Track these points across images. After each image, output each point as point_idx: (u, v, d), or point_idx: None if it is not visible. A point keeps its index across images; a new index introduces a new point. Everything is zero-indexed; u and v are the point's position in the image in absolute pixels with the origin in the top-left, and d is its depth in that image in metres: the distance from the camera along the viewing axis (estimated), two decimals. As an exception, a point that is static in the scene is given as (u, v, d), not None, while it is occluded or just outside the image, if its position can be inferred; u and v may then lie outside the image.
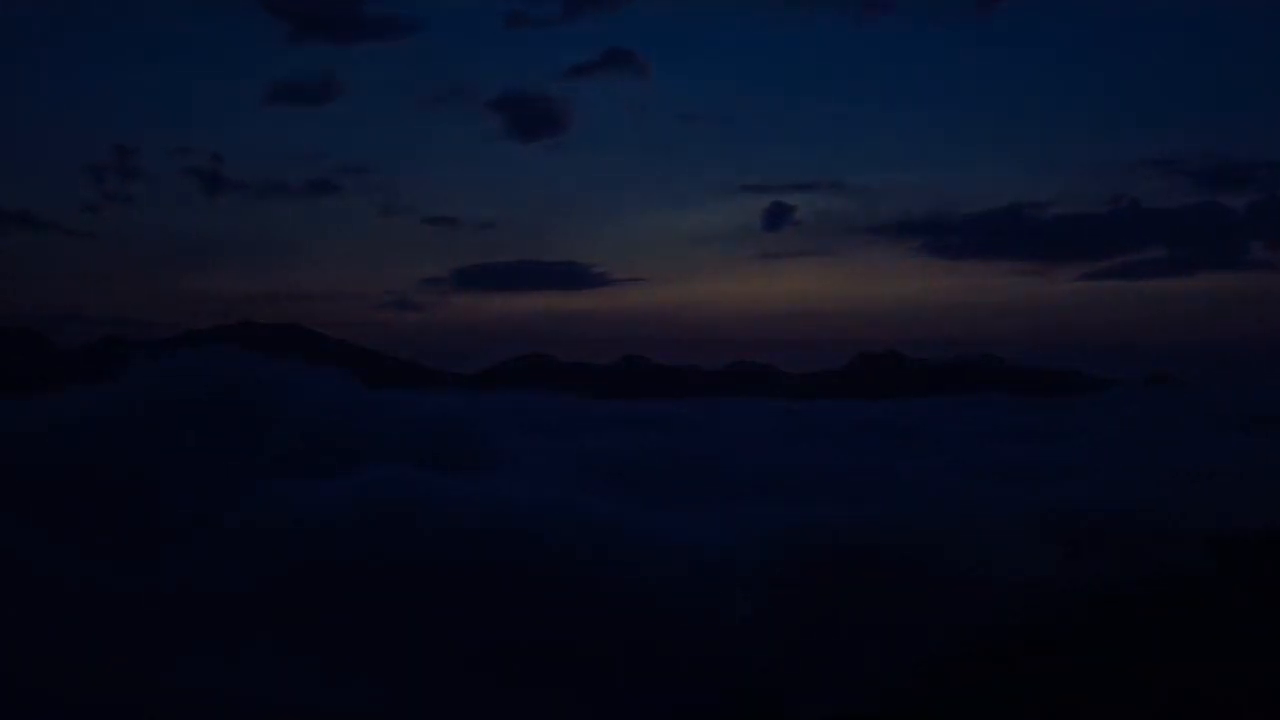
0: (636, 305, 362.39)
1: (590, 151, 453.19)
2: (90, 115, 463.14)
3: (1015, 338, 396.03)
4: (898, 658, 29.16)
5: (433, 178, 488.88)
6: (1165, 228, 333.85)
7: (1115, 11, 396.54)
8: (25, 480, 46.92)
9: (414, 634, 30.14)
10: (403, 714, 26.43)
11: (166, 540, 39.10)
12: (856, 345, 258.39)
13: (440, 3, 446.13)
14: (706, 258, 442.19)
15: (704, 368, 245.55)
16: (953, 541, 38.63)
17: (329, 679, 27.53)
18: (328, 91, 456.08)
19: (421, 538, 38.31)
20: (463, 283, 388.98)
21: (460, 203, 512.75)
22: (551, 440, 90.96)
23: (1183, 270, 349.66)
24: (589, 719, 26.70)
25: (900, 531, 40.69)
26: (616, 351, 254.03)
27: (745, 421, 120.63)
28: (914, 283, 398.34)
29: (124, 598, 32.65)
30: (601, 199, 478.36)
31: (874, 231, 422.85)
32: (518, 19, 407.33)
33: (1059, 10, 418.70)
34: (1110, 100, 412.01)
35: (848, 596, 34.01)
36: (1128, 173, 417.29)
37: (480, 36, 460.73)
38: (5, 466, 49.29)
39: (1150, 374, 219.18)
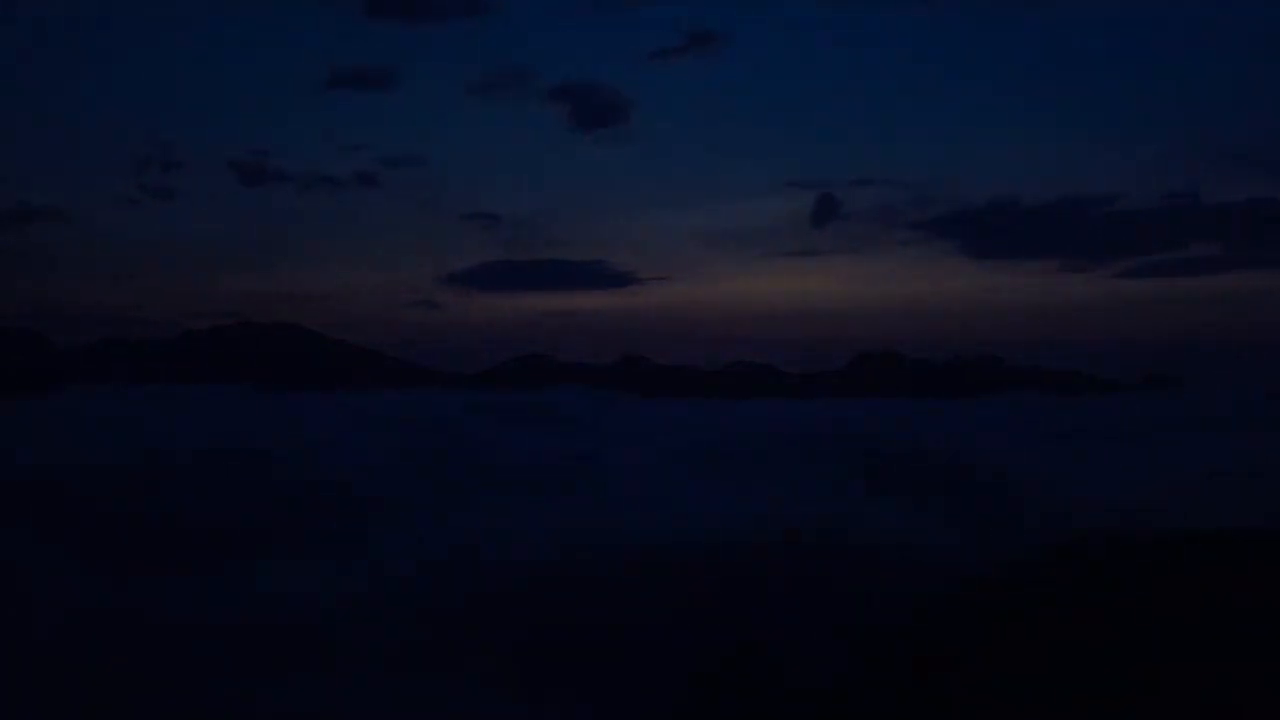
0: (659, 305, 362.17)
1: (651, 143, 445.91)
2: (145, 106, 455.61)
3: (1032, 336, 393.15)
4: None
5: (481, 171, 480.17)
6: (1223, 222, 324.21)
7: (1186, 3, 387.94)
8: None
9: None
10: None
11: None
12: (862, 344, 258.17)
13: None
14: (745, 255, 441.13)
15: (705, 368, 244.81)
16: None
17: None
18: (389, 76, 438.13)
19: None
20: (486, 282, 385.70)
21: (505, 197, 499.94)
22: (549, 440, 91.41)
23: (1233, 266, 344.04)
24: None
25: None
26: (618, 351, 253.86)
27: (746, 420, 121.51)
28: (947, 281, 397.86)
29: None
30: (654, 193, 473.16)
31: (919, 228, 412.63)
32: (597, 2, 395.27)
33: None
34: (1183, 92, 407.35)
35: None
36: (1194, 165, 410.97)
37: (554, 18, 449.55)
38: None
39: (1151, 375, 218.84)
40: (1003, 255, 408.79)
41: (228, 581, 39.91)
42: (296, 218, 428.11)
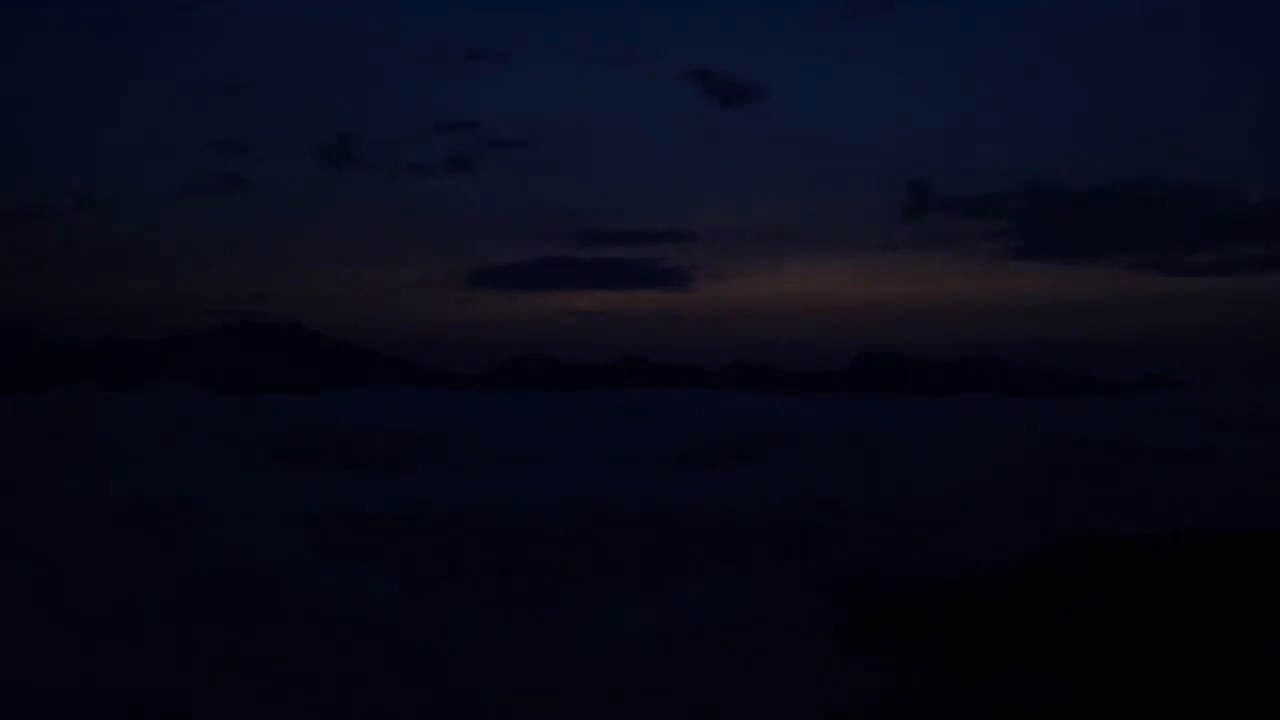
0: (700, 304, 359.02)
1: (778, 125, 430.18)
2: (234, 83, 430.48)
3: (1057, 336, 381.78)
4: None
5: (584, 155, 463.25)
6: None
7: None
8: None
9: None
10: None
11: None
12: (858, 344, 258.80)
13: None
14: (821, 250, 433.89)
15: (705, 368, 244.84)
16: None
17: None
18: (507, 51, 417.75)
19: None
20: (526, 280, 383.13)
21: (597, 183, 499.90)
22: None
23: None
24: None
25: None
26: (618, 351, 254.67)
27: (750, 412, 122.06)
28: (1001, 281, 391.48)
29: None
30: (763, 180, 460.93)
31: (1014, 219, 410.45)
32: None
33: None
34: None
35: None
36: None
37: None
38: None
39: (1150, 377, 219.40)
40: (1087, 251, 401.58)
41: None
42: (361, 209, 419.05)
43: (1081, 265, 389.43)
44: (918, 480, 63.17)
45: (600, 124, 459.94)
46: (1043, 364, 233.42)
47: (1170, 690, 23.96)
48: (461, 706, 25.70)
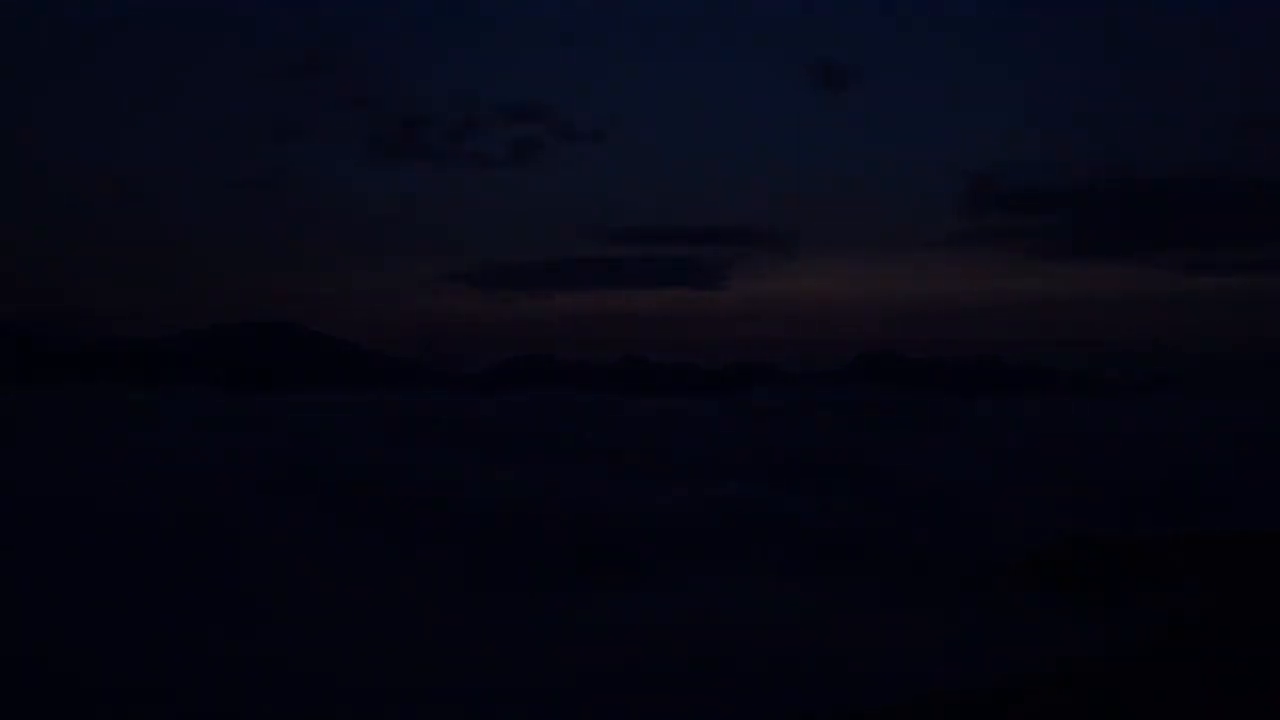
0: (730, 305, 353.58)
1: (867, 112, 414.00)
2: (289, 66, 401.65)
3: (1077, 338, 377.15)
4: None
5: (652, 149, 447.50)
6: None
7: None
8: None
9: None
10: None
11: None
12: (862, 344, 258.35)
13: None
14: (872, 247, 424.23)
15: (704, 367, 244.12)
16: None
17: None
18: (602, 35, 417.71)
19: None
20: (549, 280, 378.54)
21: (653, 181, 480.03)
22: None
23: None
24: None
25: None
26: (618, 351, 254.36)
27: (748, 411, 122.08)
28: (1043, 279, 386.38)
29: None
30: (817, 177, 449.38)
31: (1080, 213, 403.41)
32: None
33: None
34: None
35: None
36: None
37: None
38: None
39: (1155, 376, 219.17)
40: (1139, 249, 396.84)
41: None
42: (401, 206, 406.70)
43: (1130, 263, 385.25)
44: (918, 480, 63.26)
45: (672, 116, 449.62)
46: (1062, 364, 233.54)
47: (1170, 690, 23.93)
48: (455, 701, 25.73)
